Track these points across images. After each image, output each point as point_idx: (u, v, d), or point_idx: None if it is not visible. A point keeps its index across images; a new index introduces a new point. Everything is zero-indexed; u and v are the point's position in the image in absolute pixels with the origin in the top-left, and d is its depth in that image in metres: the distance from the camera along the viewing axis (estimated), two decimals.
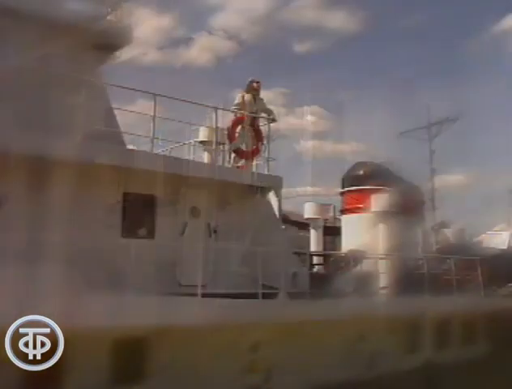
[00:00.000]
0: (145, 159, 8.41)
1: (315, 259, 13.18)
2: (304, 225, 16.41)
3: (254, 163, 10.80)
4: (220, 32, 58.77)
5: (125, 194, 8.55)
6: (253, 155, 10.57)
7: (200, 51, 56.62)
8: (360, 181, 13.80)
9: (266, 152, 10.46)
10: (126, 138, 9.24)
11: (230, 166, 10.51)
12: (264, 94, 11.40)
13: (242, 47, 57.48)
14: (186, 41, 62.03)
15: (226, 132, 10.37)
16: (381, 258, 10.81)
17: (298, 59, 55.15)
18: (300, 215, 16.43)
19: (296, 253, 11.03)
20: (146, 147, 8.73)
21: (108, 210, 8.35)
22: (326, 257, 13.33)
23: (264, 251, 8.52)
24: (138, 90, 8.98)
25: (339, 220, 15.01)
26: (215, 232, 9.69)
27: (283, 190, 10.66)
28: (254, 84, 11.10)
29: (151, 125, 8.69)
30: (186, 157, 10.56)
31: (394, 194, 12.57)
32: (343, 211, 14.41)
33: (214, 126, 9.87)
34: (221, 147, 10.53)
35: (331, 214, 15.97)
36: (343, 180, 14.63)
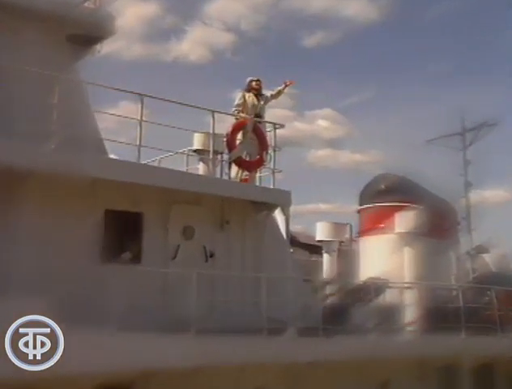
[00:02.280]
0: (130, 170, 8.43)
1: (329, 288, 13.12)
2: (316, 248, 16.39)
3: (258, 175, 10.82)
4: (217, 22, 59.32)
5: (107, 212, 8.55)
6: (257, 166, 10.60)
7: (193, 44, 57.12)
8: (382, 196, 13.82)
9: (272, 163, 10.46)
10: (108, 145, 9.27)
11: (230, 179, 10.50)
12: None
13: (242, 39, 57.88)
14: (177, 33, 62.76)
15: (225, 139, 10.37)
16: (408, 288, 10.78)
17: (308, 54, 55.43)
18: (312, 236, 16.39)
19: (306, 281, 11.03)
20: (131, 157, 8.80)
21: (87, 230, 8.34)
22: (341, 286, 13.26)
23: (269, 279, 8.51)
24: (122, 90, 9.03)
25: (357, 242, 14.98)
26: (211, 256, 9.70)
27: (292, 207, 10.62)
28: (254, 83, 11.14)
29: (138, 130, 8.73)
30: (179, 168, 10.59)
31: (421, 213, 12.57)
32: (362, 232, 14.41)
33: (211, 132, 9.89)
34: (219, 156, 10.57)
35: (348, 235, 15.95)
36: (361, 195, 14.67)
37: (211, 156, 10.10)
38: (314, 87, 52.36)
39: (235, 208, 10.04)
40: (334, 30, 60.07)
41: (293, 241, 11.90)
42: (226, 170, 10.63)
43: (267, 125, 10.89)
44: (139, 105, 8.80)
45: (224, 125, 10.57)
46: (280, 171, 10.52)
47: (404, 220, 12.72)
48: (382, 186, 14.10)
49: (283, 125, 10.88)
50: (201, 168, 10.82)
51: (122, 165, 8.56)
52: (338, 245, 15.37)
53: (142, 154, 8.85)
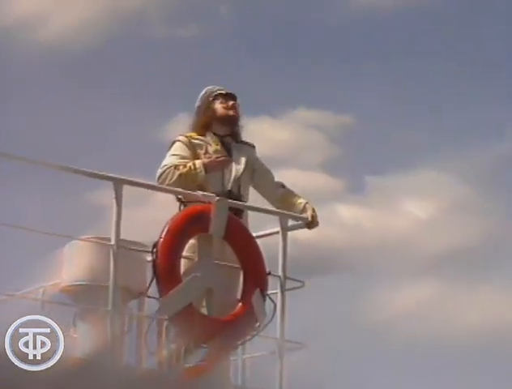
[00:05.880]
0: None
1: None
2: None
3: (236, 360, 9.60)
4: None
5: None
6: (239, 333, 8.92)
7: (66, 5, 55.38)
8: None
9: (279, 320, 8.91)
10: None
11: (161, 367, 8.97)
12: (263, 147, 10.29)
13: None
14: None
15: (150, 259, 8.68)
16: None
17: (356, 33, 54.19)
18: None
19: None
20: None
21: None
22: None
23: None
24: None
25: None
26: None
27: None
28: (218, 104, 9.40)
29: None
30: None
31: None
32: None
33: (111, 240, 8.01)
34: (135, 305, 9.08)
35: None
36: None
37: (109, 307, 8.19)
38: (376, 113, 50.39)
39: None
40: None
41: None
42: (152, 346, 8.81)
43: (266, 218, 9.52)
44: None
45: (150, 213, 9.86)
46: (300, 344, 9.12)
47: None
48: None
49: (307, 217, 9.05)
50: (80, 336, 8.98)
51: None
52: None
53: None
